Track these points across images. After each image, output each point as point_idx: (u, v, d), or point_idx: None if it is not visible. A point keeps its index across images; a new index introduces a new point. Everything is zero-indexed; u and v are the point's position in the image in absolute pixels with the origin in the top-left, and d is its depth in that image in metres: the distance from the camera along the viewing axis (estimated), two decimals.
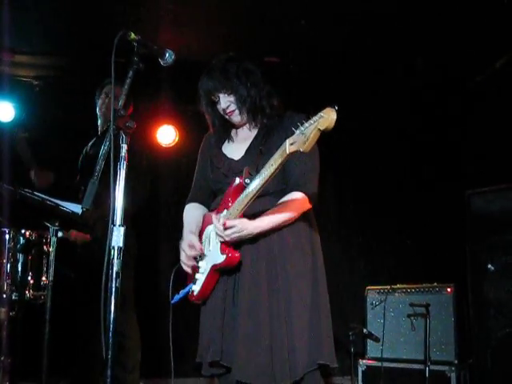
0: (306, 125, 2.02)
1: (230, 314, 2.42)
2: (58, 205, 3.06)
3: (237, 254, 2.38)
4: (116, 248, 2.05)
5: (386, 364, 4.31)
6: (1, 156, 4.22)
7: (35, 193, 3.04)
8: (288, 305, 2.38)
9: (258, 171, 2.30)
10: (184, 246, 2.56)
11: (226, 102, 2.56)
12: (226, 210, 2.42)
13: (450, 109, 5.18)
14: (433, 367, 3.99)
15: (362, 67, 4.82)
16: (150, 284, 4.78)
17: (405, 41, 4.45)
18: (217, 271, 2.46)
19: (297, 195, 2.46)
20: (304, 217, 2.52)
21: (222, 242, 2.41)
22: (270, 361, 2.31)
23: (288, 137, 2.14)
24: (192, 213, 2.72)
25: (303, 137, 2.02)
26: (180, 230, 2.67)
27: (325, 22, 4.25)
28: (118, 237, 2.06)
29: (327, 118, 1.95)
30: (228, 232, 2.34)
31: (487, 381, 3.80)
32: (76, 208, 3.08)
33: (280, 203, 2.45)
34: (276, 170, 2.19)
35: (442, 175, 5.17)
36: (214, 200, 2.68)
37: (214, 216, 2.44)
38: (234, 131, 2.69)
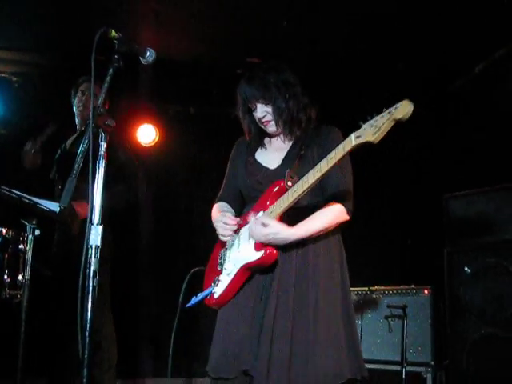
0: (377, 117, 2.03)
1: (259, 322, 2.37)
2: (35, 203, 3.02)
3: (275, 251, 2.34)
4: (94, 247, 2.04)
5: None
6: None
7: (12, 190, 3.01)
8: (317, 315, 2.36)
9: (298, 177, 2.32)
10: (222, 218, 2.52)
11: (262, 111, 2.54)
12: (262, 212, 2.42)
13: (428, 111, 5.21)
14: (409, 368, 4.02)
15: (355, 70, 4.82)
16: (127, 284, 4.74)
17: (391, 44, 4.47)
18: (248, 270, 2.42)
19: (336, 206, 2.46)
20: (336, 229, 2.53)
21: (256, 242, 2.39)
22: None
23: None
24: (223, 206, 2.71)
25: (373, 128, 2.02)
26: (159, 229, 2.65)
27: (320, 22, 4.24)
28: (95, 235, 2.05)
29: (403, 108, 1.96)
30: (265, 231, 2.32)
31: (463, 382, 3.83)
32: (54, 206, 3.05)
33: (318, 212, 2.43)
34: (333, 165, 2.16)
35: (419, 178, 5.20)
36: (244, 207, 2.66)
37: (251, 215, 2.43)
38: (267, 139, 2.68)
